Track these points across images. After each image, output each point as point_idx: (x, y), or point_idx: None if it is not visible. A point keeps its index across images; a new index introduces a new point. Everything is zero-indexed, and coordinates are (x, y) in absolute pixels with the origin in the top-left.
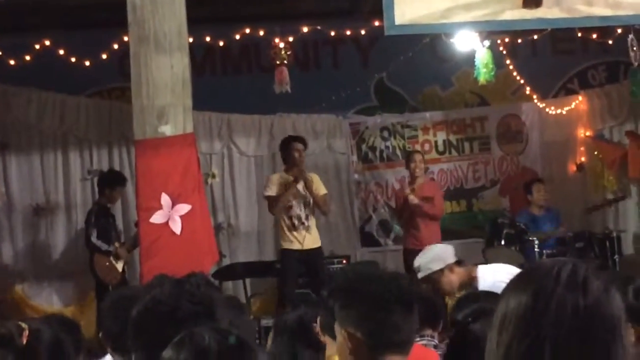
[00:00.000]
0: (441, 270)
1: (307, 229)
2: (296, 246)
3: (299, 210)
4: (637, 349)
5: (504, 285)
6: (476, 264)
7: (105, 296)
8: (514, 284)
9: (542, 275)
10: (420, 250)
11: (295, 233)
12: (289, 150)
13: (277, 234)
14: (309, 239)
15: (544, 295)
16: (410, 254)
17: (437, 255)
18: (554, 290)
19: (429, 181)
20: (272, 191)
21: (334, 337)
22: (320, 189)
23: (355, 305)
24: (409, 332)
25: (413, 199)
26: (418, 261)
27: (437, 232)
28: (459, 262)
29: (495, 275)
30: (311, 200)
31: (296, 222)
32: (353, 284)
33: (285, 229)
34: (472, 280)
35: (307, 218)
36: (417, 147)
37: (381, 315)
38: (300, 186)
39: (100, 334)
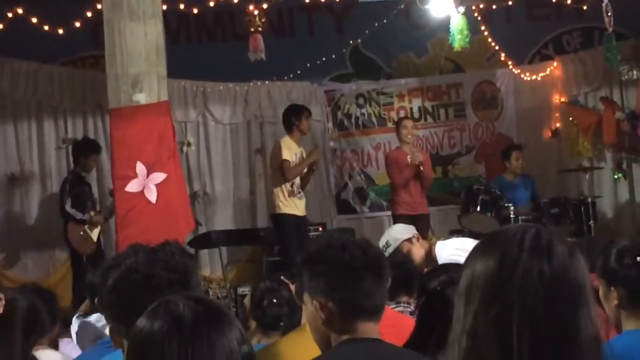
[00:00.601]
0: (410, 240)
1: (301, 197)
2: (295, 211)
3: (298, 180)
4: (618, 311)
5: (455, 257)
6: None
7: (80, 266)
8: (478, 250)
9: (506, 242)
10: (412, 216)
11: (294, 199)
12: (300, 120)
13: (263, 201)
14: (303, 205)
15: (510, 261)
16: (402, 220)
17: (401, 228)
18: (518, 256)
19: (416, 148)
20: (287, 155)
21: None
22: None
23: (324, 275)
24: (381, 298)
25: (419, 159)
26: (384, 238)
27: (425, 198)
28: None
29: (446, 250)
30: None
31: (295, 189)
32: (321, 253)
33: (286, 193)
34: (431, 252)
35: (299, 186)
36: (393, 114)
37: (351, 282)
38: (299, 156)
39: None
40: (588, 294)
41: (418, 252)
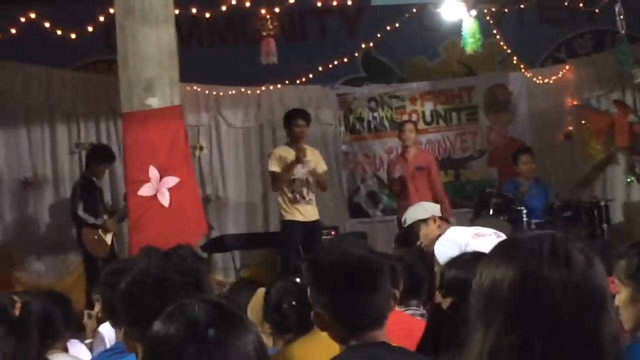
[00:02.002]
0: (425, 220)
1: (308, 202)
2: (299, 217)
3: (300, 187)
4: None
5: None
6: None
7: (94, 270)
8: (495, 259)
9: (523, 253)
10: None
11: (297, 205)
12: (290, 126)
13: (275, 205)
14: (310, 211)
15: (531, 275)
16: None
17: (423, 208)
18: (539, 270)
19: (422, 151)
20: (274, 166)
21: None
22: (320, 165)
23: (320, 285)
24: (379, 308)
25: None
26: (405, 214)
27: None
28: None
29: (460, 236)
30: (311, 180)
31: (297, 196)
32: (318, 262)
33: (288, 201)
34: None
35: (307, 193)
36: (405, 117)
37: (345, 294)
38: (302, 169)
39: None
40: (608, 299)
41: (429, 233)
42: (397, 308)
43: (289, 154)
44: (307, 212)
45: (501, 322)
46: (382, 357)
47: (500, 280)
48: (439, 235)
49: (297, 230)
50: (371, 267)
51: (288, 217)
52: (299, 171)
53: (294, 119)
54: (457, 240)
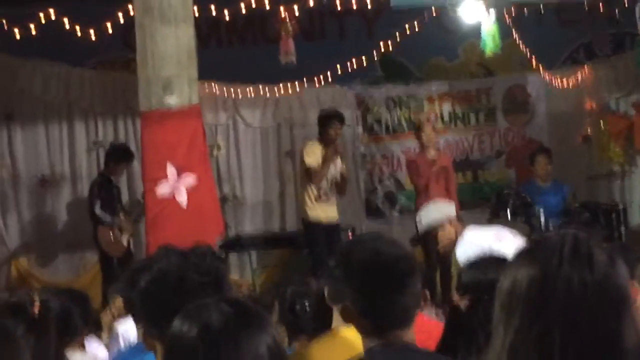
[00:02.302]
0: (442, 224)
1: (333, 203)
2: (322, 217)
3: (326, 184)
4: None
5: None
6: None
7: (110, 268)
8: (518, 262)
9: (545, 252)
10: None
11: (322, 204)
12: (326, 128)
13: (293, 205)
14: (331, 211)
15: (550, 274)
16: None
17: (438, 209)
18: (559, 268)
19: (442, 151)
20: (314, 161)
21: None
22: (345, 165)
23: (349, 280)
24: (406, 307)
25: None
26: (420, 215)
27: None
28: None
29: (480, 238)
30: (338, 177)
31: (323, 195)
32: (347, 258)
33: (314, 198)
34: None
35: (332, 193)
36: (423, 117)
37: (373, 290)
38: (334, 170)
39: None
40: (630, 301)
41: (445, 237)
42: None
43: (320, 151)
44: (329, 212)
45: (520, 319)
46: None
47: (521, 279)
48: (456, 237)
49: (321, 231)
50: (403, 267)
51: (312, 214)
52: (331, 170)
53: (332, 121)
54: (481, 244)
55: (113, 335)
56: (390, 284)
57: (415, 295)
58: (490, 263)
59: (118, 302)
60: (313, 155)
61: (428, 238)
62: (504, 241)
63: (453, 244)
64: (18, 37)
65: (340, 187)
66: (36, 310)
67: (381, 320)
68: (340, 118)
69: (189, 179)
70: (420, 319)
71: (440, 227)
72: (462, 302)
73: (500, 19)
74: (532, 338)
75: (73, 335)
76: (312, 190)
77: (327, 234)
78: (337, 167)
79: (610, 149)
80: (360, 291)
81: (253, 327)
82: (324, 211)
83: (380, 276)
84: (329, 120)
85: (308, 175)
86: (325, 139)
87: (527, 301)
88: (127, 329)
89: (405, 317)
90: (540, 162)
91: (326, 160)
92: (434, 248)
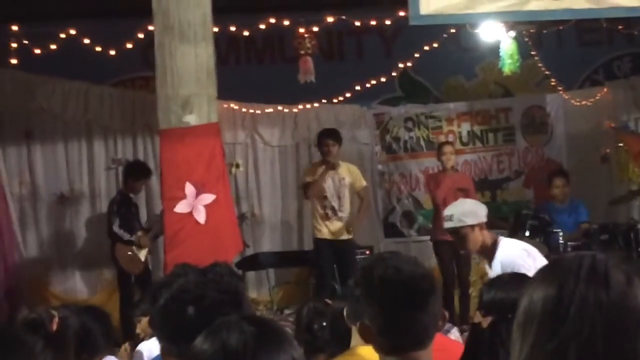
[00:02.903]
0: (472, 227)
1: (340, 219)
2: (328, 236)
3: (333, 201)
4: None
5: (517, 258)
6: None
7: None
8: (536, 281)
9: (562, 271)
10: (448, 242)
11: (327, 222)
12: (319, 146)
13: (310, 224)
14: (340, 229)
15: (567, 292)
16: (442, 246)
17: (472, 211)
18: (575, 286)
19: (461, 172)
20: (309, 178)
21: None
22: (359, 181)
23: (368, 299)
24: (424, 327)
25: None
26: (451, 210)
27: None
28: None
29: (512, 248)
30: (346, 192)
31: (329, 212)
32: (368, 278)
33: (319, 218)
34: (493, 246)
35: (340, 209)
36: (442, 137)
37: (392, 310)
38: (335, 179)
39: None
40: None
41: (474, 240)
42: None
43: (317, 170)
44: (337, 229)
45: (535, 337)
46: None
47: (537, 298)
48: (483, 241)
49: (328, 249)
50: (423, 285)
51: (318, 234)
52: (330, 186)
53: (323, 138)
54: (532, 252)
55: (136, 356)
56: (411, 301)
57: (434, 314)
58: (512, 281)
59: (143, 322)
60: (309, 173)
61: (457, 238)
62: (533, 255)
63: (479, 249)
64: (38, 54)
65: (363, 208)
66: (55, 326)
67: (400, 339)
68: (330, 134)
69: (208, 197)
70: (440, 339)
71: (470, 229)
72: (485, 322)
73: (519, 39)
74: (547, 355)
75: (92, 353)
76: (317, 210)
77: (336, 252)
78: (338, 182)
79: (630, 169)
80: (379, 308)
81: (274, 346)
82: (330, 230)
83: (401, 293)
84: (320, 137)
85: (305, 191)
86: (322, 157)
87: (543, 319)
88: (151, 348)
89: (424, 337)
90: (557, 184)
91: (320, 176)
92: (450, 267)
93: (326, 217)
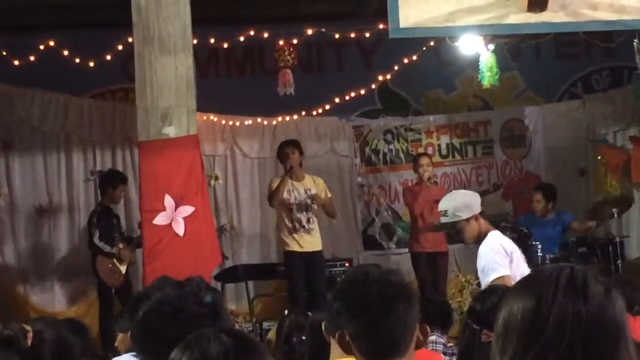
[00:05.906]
0: (467, 220)
1: (308, 231)
2: (297, 248)
3: (299, 214)
4: None
5: (491, 252)
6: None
7: (108, 298)
8: (515, 293)
9: (541, 283)
10: (429, 254)
11: (295, 235)
12: (279, 156)
13: (279, 236)
14: (309, 241)
15: (545, 304)
16: (419, 259)
17: (466, 204)
18: (554, 298)
19: (438, 185)
20: (273, 186)
21: None
22: (325, 192)
23: (343, 310)
24: (398, 335)
25: None
26: (446, 205)
27: (442, 235)
28: (481, 212)
29: (492, 242)
30: (311, 204)
31: (297, 225)
32: (342, 289)
33: (286, 231)
34: (485, 236)
35: (308, 221)
36: (421, 150)
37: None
38: (300, 192)
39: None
40: (627, 334)
41: (470, 231)
42: None
43: (280, 180)
44: (306, 242)
45: (514, 347)
46: None
47: (516, 310)
48: (479, 233)
49: (298, 261)
50: (390, 290)
51: (287, 248)
52: (296, 199)
53: (281, 147)
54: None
55: None
56: (376, 304)
57: (404, 322)
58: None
59: (120, 337)
60: (275, 182)
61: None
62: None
63: (475, 239)
64: (17, 65)
65: (326, 211)
66: (29, 341)
67: (371, 344)
68: (288, 143)
69: (187, 210)
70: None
71: (465, 222)
72: (484, 336)
73: (498, 52)
74: None
75: None
76: (285, 224)
77: (308, 265)
78: (304, 193)
79: (608, 182)
80: (350, 313)
81: (253, 357)
82: (300, 243)
83: (366, 295)
84: (279, 148)
85: (269, 200)
86: (284, 167)
87: (521, 331)
88: None
89: (393, 343)
90: (536, 198)
91: (282, 181)
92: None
93: (294, 230)
